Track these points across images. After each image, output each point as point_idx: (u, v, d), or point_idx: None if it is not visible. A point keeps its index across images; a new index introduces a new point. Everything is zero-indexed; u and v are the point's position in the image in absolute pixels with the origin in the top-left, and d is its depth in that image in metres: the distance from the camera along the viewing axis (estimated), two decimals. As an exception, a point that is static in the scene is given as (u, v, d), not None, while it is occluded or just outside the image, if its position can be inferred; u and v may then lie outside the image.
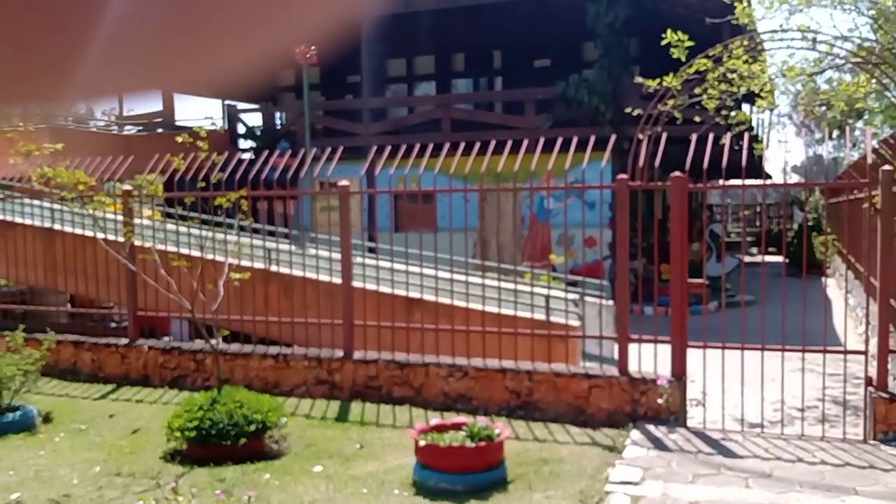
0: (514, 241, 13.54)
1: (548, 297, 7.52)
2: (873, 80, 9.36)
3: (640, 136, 7.50)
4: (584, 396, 6.87)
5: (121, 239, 8.10)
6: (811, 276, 9.12)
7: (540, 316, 7.46)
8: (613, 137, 7.76)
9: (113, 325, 11.24)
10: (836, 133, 28.81)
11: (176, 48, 0.53)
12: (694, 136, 7.02)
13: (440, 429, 5.58)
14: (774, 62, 9.75)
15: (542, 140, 7.62)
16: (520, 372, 7.09)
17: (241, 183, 7.96)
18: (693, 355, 6.73)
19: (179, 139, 7.09)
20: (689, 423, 6.63)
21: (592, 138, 7.33)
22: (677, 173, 6.73)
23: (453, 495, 5.10)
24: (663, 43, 8.57)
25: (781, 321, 6.29)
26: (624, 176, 6.90)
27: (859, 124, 20.91)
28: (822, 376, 6.66)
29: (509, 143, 7.71)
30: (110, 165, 9.18)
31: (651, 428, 6.46)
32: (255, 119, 20.26)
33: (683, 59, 8.43)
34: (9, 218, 10.36)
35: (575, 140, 7.25)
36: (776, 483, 5.23)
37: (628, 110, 9.44)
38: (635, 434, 6.33)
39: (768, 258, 20.00)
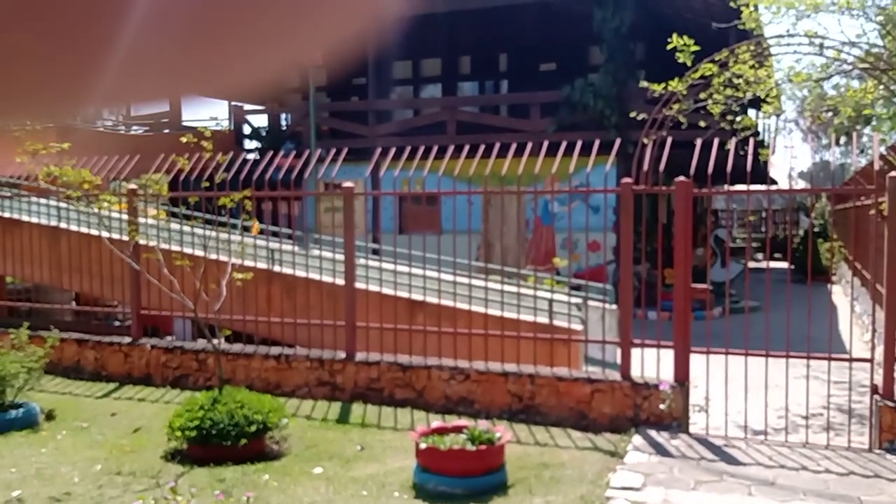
0: (517, 244, 13.52)
1: (551, 301, 7.50)
2: (881, 87, 9.32)
3: (645, 141, 7.48)
4: (586, 401, 6.84)
5: (125, 238, 8.11)
6: (817, 282, 9.08)
7: (543, 319, 7.44)
8: (618, 141, 7.74)
9: (117, 323, 11.25)
10: (843, 139, 28.72)
11: (194, 58, 0.53)
12: (699, 141, 7.00)
13: (441, 431, 5.56)
14: (781, 67, 9.71)
15: (546, 143, 7.60)
16: (522, 375, 7.07)
17: (246, 183, 7.96)
18: (696, 361, 6.70)
19: (184, 139, 7.10)
20: (692, 429, 6.59)
21: (597, 142, 7.31)
22: (682, 178, 6.70)
23: (453, 498, 5.08)
24: (669, 47, 8.55)
25: (786, 328, 6.26)
26: (628, 180, 6.88)
27: (867, 130, 20.84)
28: (828, 384, 6.62)
29: (514, 146, 7.70)
30: (116, 165, 9.20)
31: (653, 433, 6.43)
32: (260, 120, 20.30)
33: (689, 63, 8.40)
34: (15, 216, 10.39)
35: (579, 144, 7.23)
36: (779, 491, 5.20)
37: (633, 114, 9.41)
38: (637, 439, 6.30)
39: (773, 264, 19.97)
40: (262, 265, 8.69)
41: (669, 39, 8.53)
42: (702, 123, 8.71)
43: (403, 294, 7.96)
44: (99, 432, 6.85)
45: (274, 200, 10.36)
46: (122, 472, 5.73)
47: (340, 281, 7.99)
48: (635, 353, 6.85)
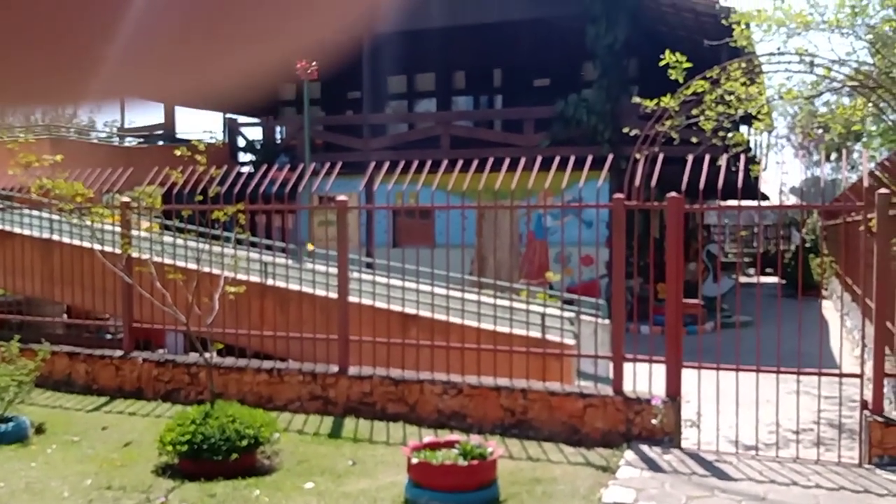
0: (511, 258, 13.55)
1: (543, 315, 7.52)
2: (870, 104, 9.41)
3: (638, 156, 7.53)
4: (578, 415, 6.85)
5: (118, 251, 8.11)
6: (808, 297, 9.12)
7: (535, 334, 7.45)
8: (611, 157, 7.79)
9: (109, 336, 11.21)
10: (833, 155, 28.91)
11: (184, 59, 0.54)
12: (691, 157, 7.05)
13: (433, 446, 5.56)
14: (772, 84, 9.80)
15: (539, 158, 7.65)
16: (514, 390, 7.07)
17: (240, 196, 7.98)
18: (688, 375, 6.72)
19: (178, 152, 7.12)
20: (684, 444, 6.60)
21: (590, 157, 7.36)
22: (673, 193, 6.75)
23: (445, 514, 5.07)
24: (661, 64, 8.62)
25: (777, 343, 6.29)
26: (620, 195, 6.92)
27: (857, 147, 21.00)
28: (818, 399, 6.65)
29: (507, 161, 7.74)
30: (110, 177, 9.21)
31: (645, 448, 6.43)
32: (255, 133, 20.35)
33: (681, 80, 8.47)
34: (7, 228, 10.37)
35: (573, 159, 7.28)
36: (770, 506, 5.20)
37: (626, 130, 9.47)
38: (629, 454, 6.30)
39: (765, 279, 20.01)
40: (254, 278, 8.69)
41: (662, 56, 8.61)
42: (694, 139, 8.77)
43: (396, 308, 7.97)
44: (89, 446, 6.82)
45: (268, 214, 10.37)
46: (113, 487, 5.71)
47: (334, 294, 7.99)
48: (627, 367, 6.87)
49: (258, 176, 8.36)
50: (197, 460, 5.82)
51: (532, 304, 7.86)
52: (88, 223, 8.04)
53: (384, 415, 7.48)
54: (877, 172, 8.04)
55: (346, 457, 6.39)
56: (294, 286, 8.41)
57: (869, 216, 6.68)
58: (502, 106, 20.77)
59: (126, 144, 22.21)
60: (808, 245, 22.14)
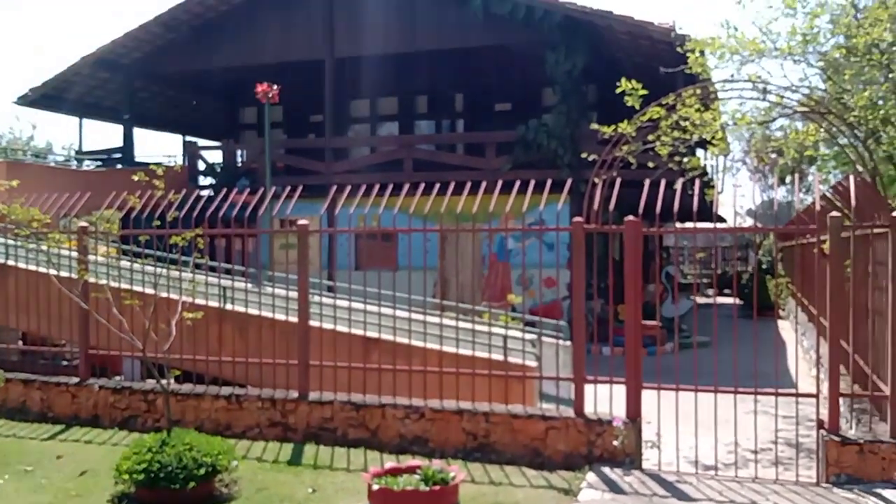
0: (473, 280, 13.58)
1: (506, 338, 7.53)
2: (822, 129, 9.67)
3: (596, 180, 7.63)
4: (540, 438, 6.86)
5: (75, 276, 7.96)
6: (764, 317, 9.27)
7: (498, 356, 7.46)
8: (570, 180, 7.89)
9: (65, 363, 10.97)
10: (788, 179, 29.57)
11: None
12: (648, 181, 7.17)
13: (394, 472, 5.52)
14: (727, 110, 10.02)
15: (501, 182, 7.71)
16: (477, 413, 7.06)
17: (199, 220, 7.90)
18: (648, 396, 6.77)
19: (136, 177, 7.06)
20: (645, 465, 6.64)
21: (550, 181, 7.44)
22: (631, 217, 6.84)
23: (407, 540, 5.03)
24: (619, 90, 8.78)
25: (734, 363, 6.38)
26: (580, 219, 7.00)
27: (811, 170, 21.53)
28: (776, 418, 6.75)
29: (469, 184, 7.79)
30: (67, 201, 9.07)
31: (606, 470, 6.46)
32: (215, 156, 20.19)
33: (637, 106, 8.64)
34: (-41, 253, 10.13)
35: (533, 182, 7.35)
36: (729, 525, 5.25)
37: (585, 154, 9.61)
38: (591, 477, 6.33)
39: (722, 300, 20.29)
40: (213, 303, 8.59)
41: (619, 83, 8.77)
42: (651, 164, 8.92)
43: (358, 331, 7.93)
44: (44, 476, 6.65)
45: (227, 238, 10.28)
46: (66, 518, 5.56)
47: (294, 318, 7.92)
48: (589, 389, 6.90)
49: (218, 199, 8.30)
50: (154, 489, 5.71)
51: (494, 326, 7.87)
52: (45, 248, 7.89)
53: (345, 441, 7.41)
54: (829, 196, 8.25)
55: (305, 484, 6.31)
56: (253, 310, 8.34)
57: (822, 238, 6.84)
58: (464, 130, 20.95)
59: (84, 168, 21.90)
60: (763, 266, 22.57)
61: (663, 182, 7.06)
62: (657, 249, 15.68)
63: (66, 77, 19.79)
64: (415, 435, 7.21)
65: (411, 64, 17.59)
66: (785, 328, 15.94)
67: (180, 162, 19.95)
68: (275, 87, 14.84)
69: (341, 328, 8.04)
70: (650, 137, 8.71)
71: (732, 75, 9.18)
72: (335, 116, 18.41)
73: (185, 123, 24.35)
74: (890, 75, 8.34)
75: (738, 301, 7.31)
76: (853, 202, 6.62)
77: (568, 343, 7.72)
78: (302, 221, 7.93)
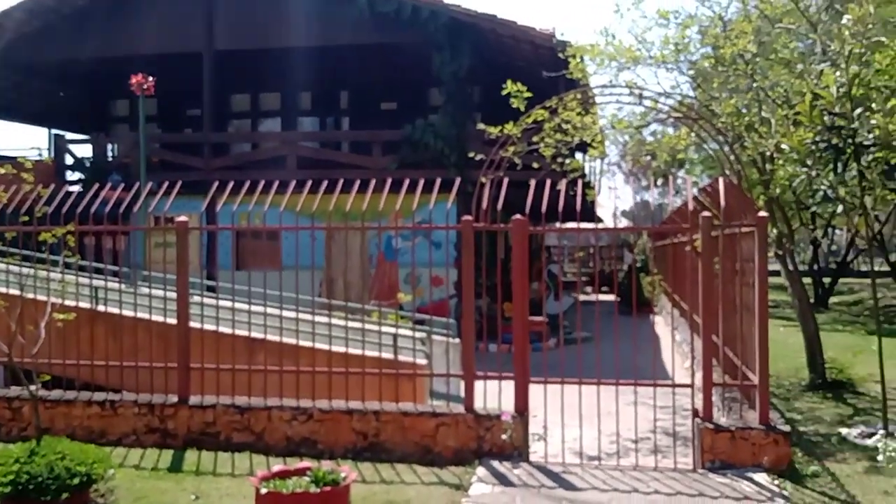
0: (361, 279, 13.48)
1: (395, 336, 7.51)
2: (693, 134, 10.20)
3: (483, 180, 7.74)
4: (431, 435, 6.87)
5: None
6: (640, 313, 9.68)
7: (388, 355, 7.43)
8: (458, 180, 7.95)
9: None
10: (660, 181, 31.05)
11: None
12: (533, 182, 7.33)
13: (283, 475, 5.38)
14: (605, 115, 10.42)
15: (389, 180, 7.68)
16: (367, 412, 7.00)
17: (69, 217, 7.45)
18: (535, 391, 6.92)
19: (2, 170, 6.59)
20: (532, 457, 6.79)
21: (438, 180, 7.48)
22: (518, 216, 6.97)
23: (297, 543, 4.91)
24: (504, 92, 8.93)
25: (615, 357, 6.62)
26: (468, 217, 7.07)
27: (682, 173, 22.69)
28: (654, 409, 7.04)
29: (357, 183, 7.72)
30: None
31: (496, 464, 6.56)
32: (84, 150, 19.11)
33: (522, 108, 8.82)
34: None
35: (421, 182, 7.37)
36: (613, 513, 5.43)
37: (472, 155, 9.73)
38: (481, 471, 6.40)
39: (602, 297, 21.07)
40: (84, 304, 8.12)
41: (504, 85, 8.93)
42: (535, 165, 9.13)
43: (242, 332, 7.70)
44: None
45: (99, 235, 9.76)
46: (-82, 540, 5.10)
47: (173, 320, 7.59)
48: (478, 385, 6.98)
49: (89, 195, 7.85)
50: (23, 501, 5.32)
51: (384, 325, 7.83)
52: None
53: (229, 445, 7.17)
54: (699, 197, 8.71)
55: (188, 491, 6.06)
56: (128, 312, 7.93)
57: (694, 237, 7.20)
58: (349, 128, 20.76)
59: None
60: (639, 265, 23.58)
61: (548, 183, 7.24)
62: (541, 248, 16.08)
63: (-84, 63, 18.21)
64: (303, 437, 7.07)
65: (294, 59, 17.25)
66: (659, 323, 16.70)
67: (46, 156, 18.79)
68: (150, 78, 14.21)
69: (224, 329, 7.79)
70: (535, 139, 8.91)
71: (611, 81, 9.56)
72: (214, 111, 17.83)
73: (52, 116, 22.94)
74: (754, 84, 8.89)
75: (616, 298, 7.60)
76: (723, 203, 7.02)
77: (457, 340, 7.79)
78: (181, 218, 7.62)
